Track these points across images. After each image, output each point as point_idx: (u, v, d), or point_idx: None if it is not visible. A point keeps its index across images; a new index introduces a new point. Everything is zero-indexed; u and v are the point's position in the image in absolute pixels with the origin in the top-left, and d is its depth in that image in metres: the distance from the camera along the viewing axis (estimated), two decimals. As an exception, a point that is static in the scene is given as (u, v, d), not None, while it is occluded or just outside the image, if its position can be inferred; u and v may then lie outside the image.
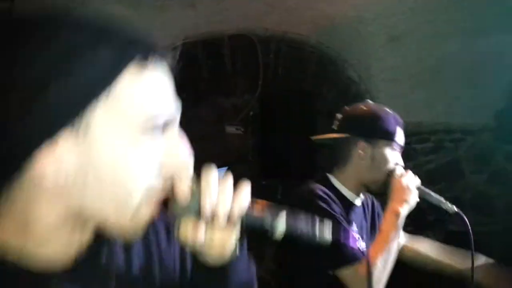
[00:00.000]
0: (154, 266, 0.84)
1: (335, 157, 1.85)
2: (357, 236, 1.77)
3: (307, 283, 1.72)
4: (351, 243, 1.75)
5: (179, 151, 0.69)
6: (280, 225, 0.73)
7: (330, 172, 1.81)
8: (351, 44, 3.52)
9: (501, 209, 3.87)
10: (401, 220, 1.62)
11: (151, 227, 0.83)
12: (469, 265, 1.64)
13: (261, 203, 0.76)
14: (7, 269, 0.67)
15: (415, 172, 1.74)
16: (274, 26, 3.46)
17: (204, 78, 3.37)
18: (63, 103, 0.62)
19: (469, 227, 1.58)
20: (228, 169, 0.76)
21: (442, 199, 1.68)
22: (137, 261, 0.81)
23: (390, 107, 1.87)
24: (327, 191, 1.71)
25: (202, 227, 0.73)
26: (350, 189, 1.78)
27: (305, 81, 3.71)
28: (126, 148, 0.65)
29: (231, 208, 0.72)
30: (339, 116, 1.87)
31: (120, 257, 0.79)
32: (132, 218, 0.68)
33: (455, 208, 1.65)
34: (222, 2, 2.95)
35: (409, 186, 1.65)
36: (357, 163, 1.78)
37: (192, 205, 0.71)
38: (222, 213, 0.71)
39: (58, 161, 0.64)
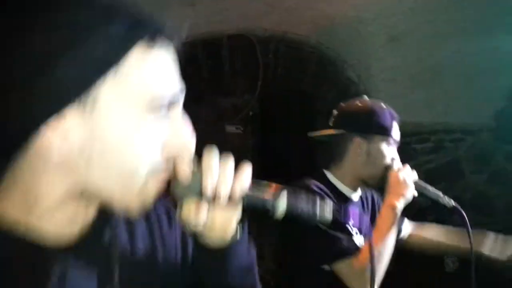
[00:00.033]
0: (156, 249, 0.84)
1: (331, 153, 1.86)
2: (355, 230, 1.77)
3: (307, 283, 1.72)
4: (352, 222, 1.76)
5: (182, 131, 0.70)
6: (281, 204, 0.73)
7: (327, 168, 1.81)
8: (350, 44, 3.52)
9: (501, 209, 3.88)
10: (398, 214, 1.62)
11: (153, 211, 0.84)
12: (476, 244, 1.64)
13: (271, 185, 0.76)
14: (12, 242, 0.67)
15: (414, 172, 1.74)
16: (274, 26, 3.46)
17: (203, 78, 3.37)
18: (71, 77, 0.62)
19: (467, 221, 1.59)
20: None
21: (439, 193, 1.68)
22: (140, 243, 0.82)
23: (389, 107, 1.88)
24: (322, 186, 1.71)
25: (204, 207, 0.74)
26: (347, 185, 1.79)
27: (304, 81, 3.71)
28: (132, 125, 0.66)
29: (233, 187, 0.72)
30: (335, 112, 1.88)
31: (123, 237, 0.80)
32: (137, 195, 0.69)
33: (452, 202, 1.65)
34: (222, 2, 2.95)
35: (406, 180, 1.65)
36: (353, 159, 1.79)
37: (194, 184, 0.71)
38: (224, 191, 0.71)
39: (65, 136, 0.64)
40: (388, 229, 1.61)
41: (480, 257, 1.72)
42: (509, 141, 3.71)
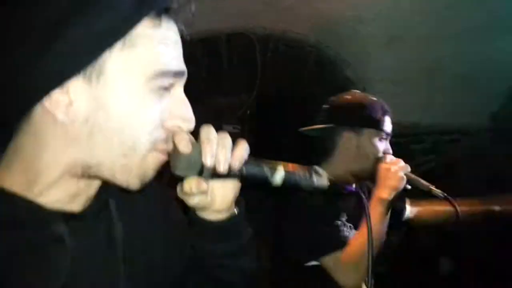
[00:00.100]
0: (155, 229, 0.86)
1: (322, 148, 1.85)
2: (349, 224, 1.77)
3: (294, 279, 1.72)
4: (345, 217, 1.75)
5: (182, 108, 0.73)
6: (279, 171, 0.76)
7: (318, 164, 1.81)
8: (349, 44, 3.52)
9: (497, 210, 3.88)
10: (387, 207, 1.62)
11: (151, 194, 0.85)
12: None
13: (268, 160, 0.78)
14: (16, 210, 0.68)
15: (412, 173, 1.74)
16: (273, 25, 3.45)
17: (201, 76, 3.36)
18: (79, 46, 0.63)
19: (459, 211, 1.59)
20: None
21: (431, 186, 1.68)
22: (139, 224, 0.83)
23: (380, 100, 1.87)
24: None
25: (204, 180, 0.75)
26: (338, 179, 1.79)
27: (303, 81, 3.70)
28: (136, 97, 0.67)
29: (231, 155, 0.74)
30: (325, 107, 1.87)
31: (123, 217, 0.80)
32: (137, 168, 0.70)
33: (443, 194, 1.65)
34: (221, 1, 2.94)
35: (395, 173, 1.64)
36: (344, 153, 1.78)
37: (194, 155, 0.73)
38: (223, 159, 0.73)
39: (69, 106, 0.65)
40: (377, 222, 1.60)
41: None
42: (506, 142, 3.71)
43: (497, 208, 1.89)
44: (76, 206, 0.73)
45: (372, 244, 1.08)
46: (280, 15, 3.29)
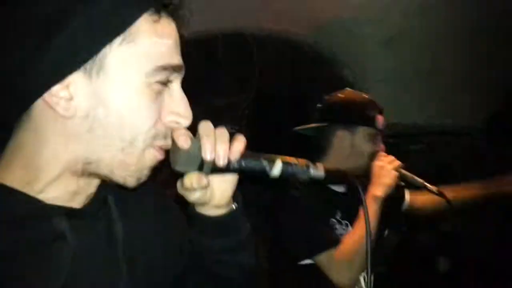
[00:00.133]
0: (153, 228, 0.86)
1: (317, 146, 1.85)
2: (344, 222, 1.77)
3: (289, 278, 1.72)
4: (339, 215, 1.75)
5: (180, 103, 0.74)
6: (277, 163, 0.77)
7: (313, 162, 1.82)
8: (346, 45, 3.52)
9: (492, 211, 3.89)
10: (380, 204, 1.62)
11: (147, 194, 0.86)
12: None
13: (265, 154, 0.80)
14: (18, 207, 0.68)
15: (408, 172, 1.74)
16: (270, 25, 3.45)
17: (198, 77, 3.35)
18: (79, 41, 0.64)
19: (452, 204, 1.60)
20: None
21: (424, 182, 1.69)
22: (137, 223, 0.83)
23: (384, 109, 1.87)
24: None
25: (204, 175, 0.76)
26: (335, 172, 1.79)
27: (300, 81, 3.70)
28: (135, 92, 0.68)
29: (230, 149, 0.76)
30: (319, 106, 1.88)
31: (123, 215, 0.81)
32: (135, 164, 0.71)
33: (436, 188, 1.67)
34: (217, 0, 2.94)
35: (389, 170, 1.65)
36: (338, 151, 1.78)
37: (193, 150, 0.74)
38: (222, 153, 0.74)
39: (70, 101, 0.66)
40: (371, 220, 1.60)
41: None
42: (501, 144, 3.73)
43: (496, 188, 1.92)
44: (76, 204, 0.74)
45: (370, 239, 1.08)
46: (277, 15, 3.29)
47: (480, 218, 3.74)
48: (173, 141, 0.73)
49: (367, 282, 1.36)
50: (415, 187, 1.75)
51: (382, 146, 1.83)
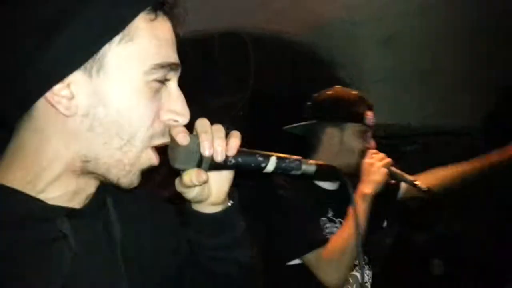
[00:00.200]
0: (148, 230, 0.88)
1: (308, 145, 1.85)
2: (338, 220, 1.76)
3: (277, 279, 1.72)
4: (331, 213, 1.74)
5: (178, 101, 0.76)
6: (272, 158, 0.81)
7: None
8: (342, 45, 3.52)
9: (489, 211, 3.90)
10: (369, 201, 1.62)
11: (141, 197, 0.88)
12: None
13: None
14: (19, 207, 0.68)
15: (402, 171, 1.74)
16: (266, 25, 3.45)
17: (193, 77, 3.34)
18: (79, 41, 0.65)
19: (442, 201, 1.61)
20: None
21: (415, 180, 1.69)
22: (133, 224, 0.85)
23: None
24: (291, 181, 1.70)
25: (202, 172, 0.78)
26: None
27: (296, 81, 3.70)
28: (135, 90, 0.70)
29: (227, 144, 0.78)
30: (308, 104, 1.87)
31: (121, 216, 0.82)
32: (133, 164, 0.72)
33: (426, 186, 1.67)
34: (213, 0, 2.94)
35: (378, 167, 1.64)
36: (328, 149, 1.78)
37: (192, 147, 0.75)
38: (220, 149, 0.76)
39: (70, 100, 0.67)
40: (360, 217, 1.59)
41: None
42: (498, 144, 3.74)
43: (495, 159, 1.94)
44: (76, 204, 0.76)
45: (359, 236, 1.08)
46: (274, 15, 3.29)
47: (477, 219, 3.75)
48: (172, 138, 0.75)
49: (361, 279, 1.35)
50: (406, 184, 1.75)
51: (372, 142, 1.82)
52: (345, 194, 1.84)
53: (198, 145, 0.76)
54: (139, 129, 0.71)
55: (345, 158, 1.79)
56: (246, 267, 0.93)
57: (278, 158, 0.83)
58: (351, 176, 1.83)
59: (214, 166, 0.78)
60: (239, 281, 0.93)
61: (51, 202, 0.70)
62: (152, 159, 0.75)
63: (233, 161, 0.79)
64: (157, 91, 0.72)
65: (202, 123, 0.79)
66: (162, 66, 0.71)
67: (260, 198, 1.77)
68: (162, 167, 0.78)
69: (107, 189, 0.79)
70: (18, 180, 0.69)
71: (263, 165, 0.81)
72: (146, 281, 0.83)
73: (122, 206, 0.83)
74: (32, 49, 0.64)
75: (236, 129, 0.86)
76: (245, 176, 0.88)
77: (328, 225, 1.78)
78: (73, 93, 0.67)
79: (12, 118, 0.70)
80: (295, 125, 1.90)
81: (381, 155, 1.72)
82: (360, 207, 1.62)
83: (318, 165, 0.86)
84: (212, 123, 0.81)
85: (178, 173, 0.80)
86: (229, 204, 0.90)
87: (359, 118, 1.78)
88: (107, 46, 0.67)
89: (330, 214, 1.79)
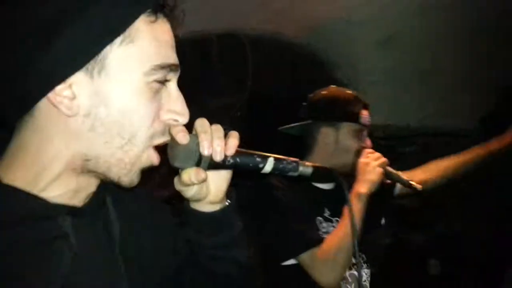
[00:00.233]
0: (146, 229, 0.89)
1: (304, 145, 1.85)
2: (334, 219, 1.76)
3: (272, 280, 1.72)
4: (328, 213, 1.74)
5: (177, 101, 0.77)
6: (270, 159, 0.83)
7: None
8: (340, 46, 3.53)
9: (486, 211, 3.91)
10: (364, 201, 1.61)
11: (139, 197, 0.89)
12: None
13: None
14: (21, 205, 0.69)
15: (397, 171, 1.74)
16: (263, 26, 3.45)
17: (191, 77, 3.34)
18: (81, 42, 0.66)
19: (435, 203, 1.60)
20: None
21: (410, 180, 1.69)
22: (131, 223, 0.85)
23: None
24: (286, 181, 1.70)
25: (202, 170, 0.79)
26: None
27: (293, 82, 3.70)
28: (135, 90, 0.71)
29: (225, 144, 0.79)
30: (304, 104, 1.88)
31: (120, 215, 0.83)
32: (133, 163, 0.73)
33: (421, 186, 1.66)
34: (212, 1, 2.94)
35: (374, 167, 1.64)
36: (323, 148, 1.78)
37: (191, 146, 0.77)
38: (219, 149, 0.78)
39: (72, 100, 0.68)
40: (355, 216, 1.59)
41: None
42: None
43: (495, 146, 1.96)
44: (77, 202, 0.77)
45: (356, 235, 1.08)
46: (271, 16, 3.29)
47: (475, 219, 3.76)
48: (172, 137, 0.76)
49: (358, 276, 1.35)
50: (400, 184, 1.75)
51: (368, 142, 1.82)
52: (341, 194, 1.84)
53: (198, 144, 0.78)
54: (140, 128, 0.72)
55: (341, 157, 1.79)
56: (246, 267, 0.94)
57: (275, 159, 0.83)
58: (346, 176, 1.84)
59: (213, 165, 0.79)
60: (239, 280, 0.94)
61: (52, 200, 0.71)
62: (153, 158, 0.76)
63: (231, 161, 0.80)
64: (157, 92, 0.73)
65: (202, 123, 0.80)
66: (162, 67, 0.72)
67: (256, 199, 1.77)
68: (161, 166, 0.78)
69: (107, 188, 0.80)
70: (19, 179, 0.70)
71: (261, 165, 0.82)
72: (146, 281, 0.83)
73: (122, 205, 0.84)
74: (32, 50, 0.65)
75: (234, 130, 0.86)
76: (241, 176, 0.89)
77: (324, 224, 1.78)
78: (74, 93, 0.68)
79: (13, 118, 0.71)
80: (290, 125, 1.90)
81: (377, 154, 1.72)
82: (356, 206, 1.62)
83: (314, 167, 0.88)
84: (210, 123, 0.81)
85: (177, 171, 0.81)
86: (227, 203, 0.90)
87: (354, 118, 1.78)
88: (108, 47, 0.68)
89: (326, 214, 1.79)
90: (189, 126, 0.80)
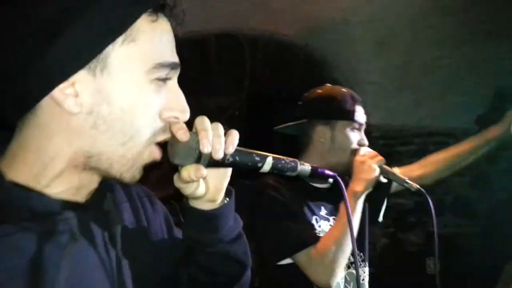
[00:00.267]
0: (143, 228, 0.89)
1: (299, 144, 1.84)
2: (331, 217, 1.75)
3: (268, 279, 1.72)
4: (324, 212, 1.74)
5: (178, 98, 0.77)
6: (268, 158, 0.84)
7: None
8: (338, 46, 3.53)
9: (482, 211, 3.93)
10: (360, 200, 1.60)
11: (136, 196, 0.90)
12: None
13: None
14: (23, 199, 0.70)
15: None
16: (262, 26, 3.46)
17: (189, 77, 3.35)
18: (83, 41, 0.67)
19: (431, 206, 1.57)
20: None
21: (406, 179, 1.66)
22: (128, 222, 0.86)
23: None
24: (282, 180, 1.68)
25: (201, 167, 0.79)
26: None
27: (291, 82, 3.71)
28: (137, 89, 0.72)
29: (225, 142, 0.79)
30: (299, 103, 1.87)
31: (120, 213, 0.84)
32: (135, 160, 0.74)
33: (416, 186, 1.63)
34: (210, 1, 2.95)
35: (369, 165, 1.62)
36: (319, 147, 1.76)
37: (192, 143, 0.77)
38: (219, 147, 0.78)
39: (75, 98, 0.68)
40: (352, 215, 1.57)
41: None
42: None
43: (492, 133, 1.96)
44: (79, 198, 0.76)
45: (353, 233, 1.07)
46: (269, 16, 3.30)
47: (473, 217, 3.78)
48: (172, 134, 0.77)
49: (356, 274, 1.34)
50: (396, 183, 1.74)
51: (364, 139, 1.81)
52: (338, 192, 1.84)
53: (198, 142, 0.77)
54: (142, 126, 0.73)
55: (336, 155, 1.76)
56: (245, 265, 0.94)
57: (274, 158, 0.85)
58: (343, 174, 1.84)
59: (212, 163, 0.79)
60: (238, 278, 0.94)
61: (55, 196, 0.72)
62: (155, 154, 0.77)
63: (231, 159, 0.80)
64: (158, 90, 0.74)
65: (202, 121, 0.80)
66: (163, 65, 0.73)
67: (252, 198, 1.77)
68: (161, 164, 0.79)
69: (108, 186, 0.80)
70: (22, 176, 0.70)
71: (259, 164, 0.83)
72: (145, 279, 0.83)
73: (122, 204, 0.85)
74: (32, 50, 0.65)
75: (232, 128, 0.87)
76: (239, 175, 0.90)
77: (321, 223, 1.77)
78: (77, 91, 0.69)
79: (14, 118, 0.72)
80: (286, 124, 1.89)
81: (373, 152, 1.70)
82: (352, 205, 1.60)
83: (313, 167, 0.88)
84: (210, 122, 0.82)
85: (177, 169, 0.82)
86: (226, 201, 0.90)
87: (349, 115, 1.76)
88: (110, 47, 0.69)
89: (323, 212, 1.78)
90: (189, 125, 0.80)
